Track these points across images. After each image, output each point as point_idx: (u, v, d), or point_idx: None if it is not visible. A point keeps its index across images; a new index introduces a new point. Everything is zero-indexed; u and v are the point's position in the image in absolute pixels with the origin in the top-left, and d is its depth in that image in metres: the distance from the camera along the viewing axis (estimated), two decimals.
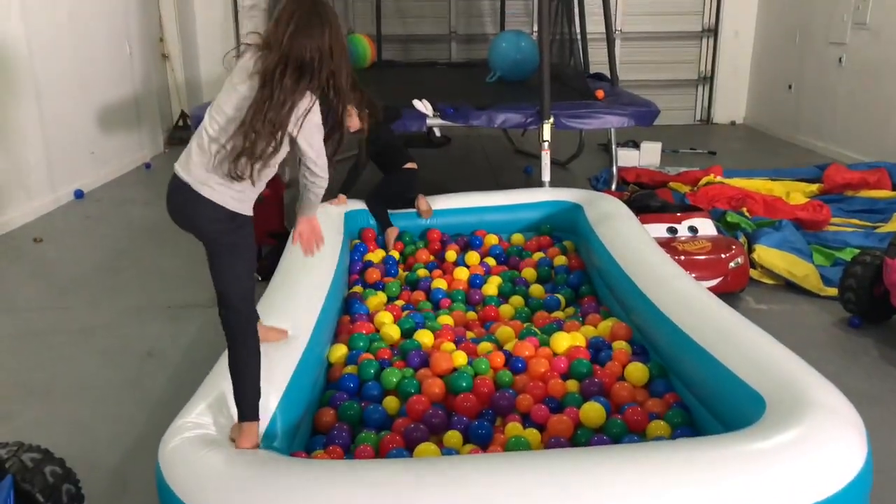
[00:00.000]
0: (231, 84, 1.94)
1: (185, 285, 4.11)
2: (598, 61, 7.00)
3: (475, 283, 3.53)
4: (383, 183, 4.07)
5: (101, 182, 6.49)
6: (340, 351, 2.80)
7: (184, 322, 3.66)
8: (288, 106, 1.88)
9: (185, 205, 1.96)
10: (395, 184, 4.04)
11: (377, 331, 2.98)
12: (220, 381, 2.08)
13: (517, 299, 3.38)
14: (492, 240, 3.96)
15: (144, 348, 3.39)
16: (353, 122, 3.50)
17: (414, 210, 4.04)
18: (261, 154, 1.89)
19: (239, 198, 1.97)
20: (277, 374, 2.21)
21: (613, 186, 5.49)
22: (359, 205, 4.05)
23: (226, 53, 2.06)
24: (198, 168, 1.93)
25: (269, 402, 2.08)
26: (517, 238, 4.02)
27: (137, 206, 5.82)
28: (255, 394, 1.96)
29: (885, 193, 5.40)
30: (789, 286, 4.02)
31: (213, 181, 1.92)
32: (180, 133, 8.14)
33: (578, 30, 6.43)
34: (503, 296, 3.46)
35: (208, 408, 2.00)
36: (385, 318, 3.06)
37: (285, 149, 1.98)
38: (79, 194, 6.00)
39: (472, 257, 3.70)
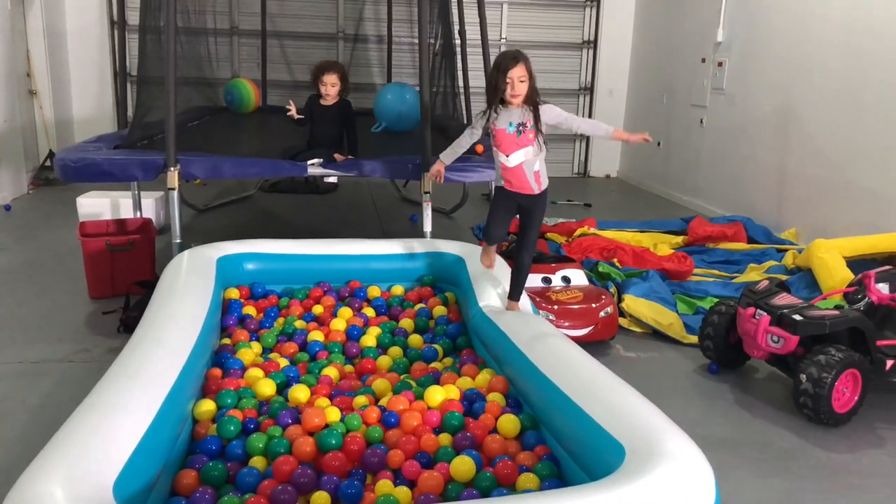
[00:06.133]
0: None
1: (41, 338, 3.82)
2: None
3: (353, 334, 3.48)
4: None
5: None
6: (207, 406, 2.67)
7: (37, 379, 3.39)
8: None
9: None
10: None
11: (249, 386, 2.88)
12: (69, 440, 1.93)
13: (395, 350, 3.36)
14: (374, 292, 3.93)
15: None
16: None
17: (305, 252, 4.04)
18: None
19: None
20: (131, 427, 2.07)
21: None
22: (235, 249, 3.92)
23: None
24: None
25: (119, 456, 1.95)
26: (398, 289, 4.01)
27: None
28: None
29: (740, 246, 5.83)
30: (656, 334, 4.23)
31: None
32: (47, 173, 7.68)
33: (462, 84, 6.63)
34: (382, 347, 3.43)
35: (51, 473, 1.83)
36: (258, 373, 2.96)
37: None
38: None
39: (346, 312, 3.64)
